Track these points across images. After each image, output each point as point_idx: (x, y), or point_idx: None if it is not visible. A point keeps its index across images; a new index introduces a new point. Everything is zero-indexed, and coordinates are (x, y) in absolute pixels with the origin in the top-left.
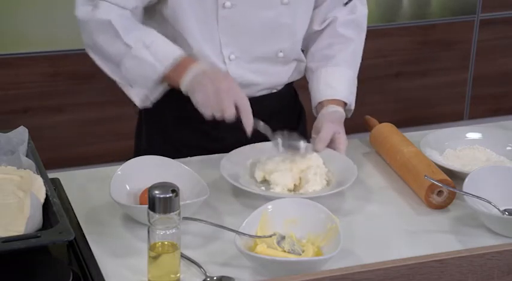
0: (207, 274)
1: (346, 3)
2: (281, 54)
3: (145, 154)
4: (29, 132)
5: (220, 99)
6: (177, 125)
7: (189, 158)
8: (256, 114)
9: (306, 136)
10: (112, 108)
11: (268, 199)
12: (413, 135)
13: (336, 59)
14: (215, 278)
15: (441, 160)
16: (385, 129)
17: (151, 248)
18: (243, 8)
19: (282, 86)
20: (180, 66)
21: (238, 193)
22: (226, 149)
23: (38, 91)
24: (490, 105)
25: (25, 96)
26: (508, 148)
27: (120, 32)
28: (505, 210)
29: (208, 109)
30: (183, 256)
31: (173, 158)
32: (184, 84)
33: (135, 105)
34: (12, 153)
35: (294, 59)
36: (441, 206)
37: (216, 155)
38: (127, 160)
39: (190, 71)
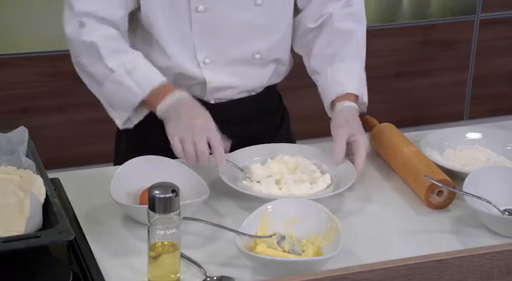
0: (207, 274)
1: None
2: (258, 56)
3: (125, 158)
4: (29, 132)
5: (192, 134)
6: (156, 129)
7: None
8: (235, 118)
9: (290, 138)
10: None
11: (266, 201)
12: (413, 135)
13: (339, 55)
14: (215, 278)
15: (441, 160)
16: (385, 130)
17: (151, 248)
18: (216, 10)
19: (262, 89)
20: (159, 93)
21: (238, 193)
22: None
23: (38, 91)
24: (490, 105)
25: (25, 96)
26: (508, 148)
27: (103, 55)
28: (505, 210)
29: (177, 141)
30: (183, 256)
31: None
32: (161, 111)
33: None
34: (12, 153)
35: (273, 60)
36: (441, 206)
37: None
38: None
39: (168, 98)
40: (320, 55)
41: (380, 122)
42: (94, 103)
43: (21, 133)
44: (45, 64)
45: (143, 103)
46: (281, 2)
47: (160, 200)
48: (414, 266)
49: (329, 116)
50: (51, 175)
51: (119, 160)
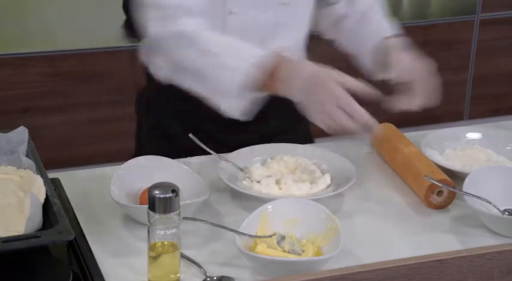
0: (207, 274)
1: None
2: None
3: (145, 154)
4: (29, 132)
5: (336, 116)
6: (176, 123)
7: (189, 158)
8: (256, 116)
9: (309, 135)
10: (112, 108)
11: (266, 201)
12: (413, 135)
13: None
14: (215, 278)
15: (441, 160)
16: (385, 130)
17: (151, 248)
18: (248, 12)
19: None
20: (269, 68)
21: (238, 193)
22: (227, 151)
23: (38, 91)
24: (490, 105)
25: (25, 96)
26: (508, 148)
27: (200, 42)
28: (505, 210)
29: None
30: (183, 256)
31: (172, 157)
32: (297, 90)
33: (136, 104)
34: (12, 153)
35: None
36: (441, 206)
37: (216, 155)
38: (127, 160)
39: (282, 73)
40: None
41: (380, 122)
42: (94, 103)
43: (21, 133)
44: (45, 64)
45: (252, 84)
46: (307, 3)
47: (160, 200)
48: (414, 266)
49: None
50: (51, 175)
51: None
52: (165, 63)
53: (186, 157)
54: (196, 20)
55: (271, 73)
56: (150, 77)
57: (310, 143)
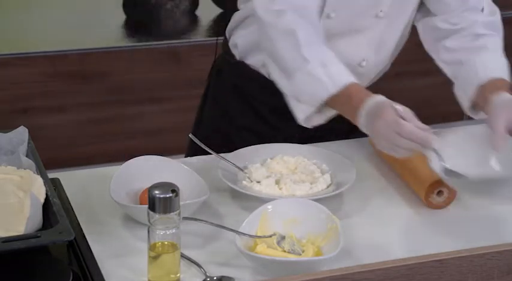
0: (207, 274)
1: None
2: (364, 64)
3: (205, 129)
4: (29, 132)
5: (397, 146)
6: (242, 107)
7: (189, 158)
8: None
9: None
10: (112, 108)
11: (266, 201)
12: None
13: (485, 47)
14: (215, 278)
15: None
16: None
17: (151, 248)
18: (342, 18)
19: None
20: (350, 93)
21: (238, 193)
22: (282, 139)
23: (38, 91)
24: None
25: (25, 96)
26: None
27: (301, 43)
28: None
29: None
30: (183, 256)
31: (231, 139)
32: (362, 120)
33: (206, 88)
34: (12, 153)
35: (376, 69)
36: (441, 206)
37: (216, 155)
38: (127, 160)
39: (370, 101)
40: (461, 48)
41: None
42: (94, 103)
43: (21, 133)
44: (45, 64)
45: (332, 101)
46: (402, 16)
47: (160, 200)
48: (414, 266)
49: (465, 102)
50: (51, 175)
51: (197, 132)
52: (267, 45)
53: (240, 138)
54: (308, 27)
55: (351, 103)
56: (227, 49)
57: None
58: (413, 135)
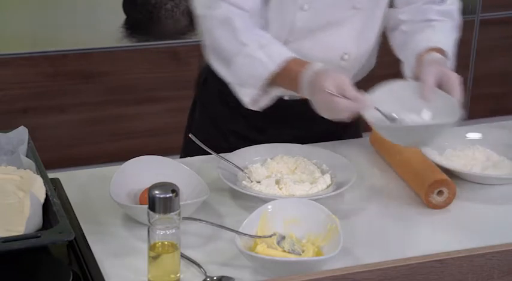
0: (207, 274)
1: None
2: (346, 57)
3: (195, 134)
4: (29, 132)
5: (336, 112)
6: (230, 113)
7: (189, 158)
8: (307, 115)
9: (359, 133)
10: (112, 108)
11: (266, 201)
12: None
13: (431, 23)
14: (215, 278)
15: (441, 160)
16: None
17: (151, 248)
18: (318, 10)
19: None
20: (290, 67)
21: (238, 193)
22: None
23: (38, 91)
24: (490, 105)
25: (25, 96)
26: (508, 148)
27: (238, 29)
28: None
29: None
30: (183, 256)
31: (219, 144)
32: (305, 93)
33: (195, 95)
34: (12, 153)
35: (359, 63)
36: (441, 206)
37: (216, 155)
38: (127, 160)
39: (306, 74)
40: (411, 30)
41: None
42: (94, 103)
43: (21, 133)
44: (45, 64)
45: (274, 79)
46: (378, 7)
47: (160, 200)
48: (414, 266)
49: (408, 72)
50: (51, 175)
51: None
52: (206, 37)
53: (230, 144)
54: (243, 13)
55: (292, 77)
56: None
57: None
58: (349, 109)
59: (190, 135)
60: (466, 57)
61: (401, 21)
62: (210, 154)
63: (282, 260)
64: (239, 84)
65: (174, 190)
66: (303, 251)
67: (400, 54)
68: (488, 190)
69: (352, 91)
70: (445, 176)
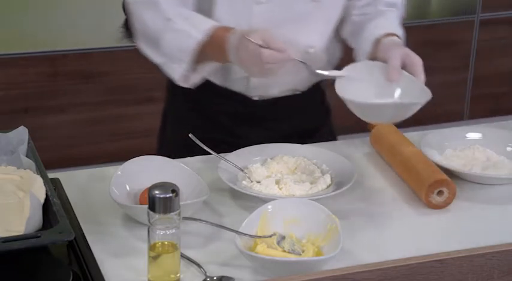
0: (207, 274)
1: None
2: (312, 50)
3: (169, 149)
4: (29, 132)
5: (262, 65)
6: (202, 121)
7: (189, 158)
8: (277, 115)
9: (332, 135)
10: (112, 108)
11: (266, 201)
12: (413, 135)
13: (379, 14)
14: (215, 278)
15: (441, 160)
16: (385, 130)
17: (151, 248)
18: (276, 3)
19: (309, 88)
20: (219, 35)
21: (238, 193)
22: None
23: (38, 91)
24: (490, 105)
25: (25, 96)
26: (508, 148)
27: (163, 8)
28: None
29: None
30: (183, 256)
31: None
32: (231, 55)
33: (164, 106)
34: (12, 153)
35: (325, 54)
36: (441, 206)
37: (216, 155)
38: (127, 160)
39: (233, 36)
40: (362, 20)
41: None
42: (94, 103)
43: (21, 133)
44: (45, 64)
45: (202, 49)
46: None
47: (160, 200)
48: (414, 266)
49: (362, 58)
50: (51, 175)
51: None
52: (136, 23)
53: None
54: None
55: (219, 44)
56: None
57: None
58: (274, 59)
59: (190, 135)
60: (466, 57)
61: (353, 11)
62: (210, 154)
63: (282, 260)
64: (169, 61)
65: (174, 190)
66: (303, 251)
67: (353, 41)
68: (488, 190)
69: (277, 43)
70: (445, 176)
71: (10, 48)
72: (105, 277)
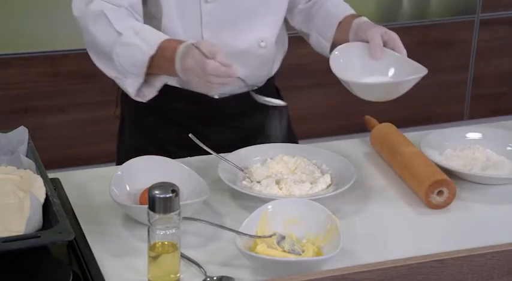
0: (207, 274)
1: None
2: (263, 44)
3: (128, 156)
4: (29, 132)
5: (209, 82)
6: (162, 123)
7: (189, 158)
8: (236, 112)
9: (290, 134)
10: (112, 108)
11: (266, 201)
12: (413, 135)
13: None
14: (215, 278)
15: (441, 160)
16: (385, 130)
17: (151, 248)
18: (224, 1)
19: (263, 83)
20: (166, 47)
21: (238, 193)
22: (214, 147)
23: (38, 91)
24: (490, 105)
25: (25, 96)
26: (508, 148)
27: (111, 20)
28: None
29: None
30: (183, 256)
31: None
32: (177, 65)
33: (116, 108)
34: (12, 153)
35: (276, 46)
36: (441, 206)
37: (216, 155)
38: (127, 160)
39: (181, 47)
40: (310, 6)
41: (380, 122)
42: (94, 103)
43: (21, 133)
44: (45, 64)
45: (153, 63)
46: None
47: (160, 200)
48: (414, 266)
49: (323, 42)
50: (51, 175)
51: (121, 159)
52: (85, 36)
53: (172, 155)
54: (119, 8)
55: (170, 55)
56: None
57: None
58: (218, 71)
59: (190, 136)
60: (466, 57)
61: (299, 0)
62: (210, 153)
63: (282, 260)
64: (123, 76)
65: (174, 190)
66: (303, 251)
67: (308, 28)
68: (488, 190)
69: (223, 57)
70: (445, 176)
71: (10, 48)
72: (105, 277)
